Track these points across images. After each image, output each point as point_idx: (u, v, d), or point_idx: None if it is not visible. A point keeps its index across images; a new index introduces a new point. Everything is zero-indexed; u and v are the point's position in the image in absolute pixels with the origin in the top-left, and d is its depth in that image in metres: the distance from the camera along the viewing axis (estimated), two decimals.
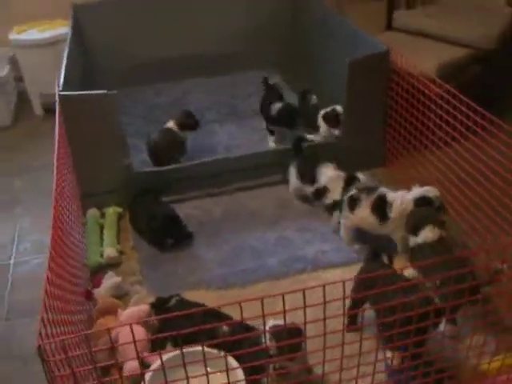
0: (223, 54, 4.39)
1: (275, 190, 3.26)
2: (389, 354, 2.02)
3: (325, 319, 1.57)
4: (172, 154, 3.41)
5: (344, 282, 1.54)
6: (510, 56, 3.77)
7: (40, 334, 1.40)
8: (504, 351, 2.00)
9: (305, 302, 1.51)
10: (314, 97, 3.60)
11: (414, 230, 2.45)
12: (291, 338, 1.78)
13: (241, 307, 1.48)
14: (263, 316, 1.50)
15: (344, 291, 1.55)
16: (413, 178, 3.00)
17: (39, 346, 1.36)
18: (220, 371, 1.65)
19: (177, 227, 2.92)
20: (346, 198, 2.75)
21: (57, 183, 2.18)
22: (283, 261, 2.77)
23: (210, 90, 4.38)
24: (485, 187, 2.54)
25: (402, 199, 2.63)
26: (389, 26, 4.75)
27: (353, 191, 2.73)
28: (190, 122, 3.50)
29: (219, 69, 4.44)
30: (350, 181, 2.88)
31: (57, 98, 2.75)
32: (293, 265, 2.74)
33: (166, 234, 2.89)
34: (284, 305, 1.50)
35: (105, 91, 2.82)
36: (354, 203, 2.70)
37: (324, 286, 1.52)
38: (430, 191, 2.63)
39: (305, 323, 1.59)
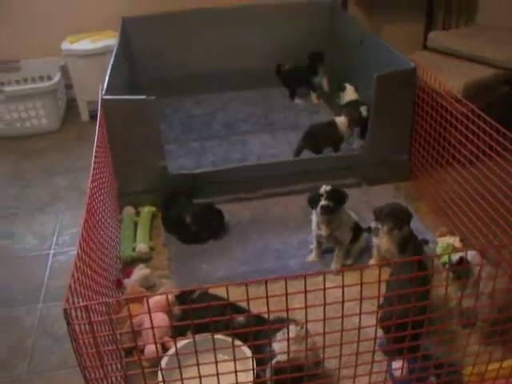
0: (262, 68, 4.58)
1: (302, 197, 3.35)
2: (395, 365, 2.14)
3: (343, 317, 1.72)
4: (327, 143, 3.66)
5: (361, 284, 1.69)
6: None
7: (67, 299, 1.57)
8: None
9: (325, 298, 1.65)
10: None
11: None
12: None
13: (246, 288, 1.63)
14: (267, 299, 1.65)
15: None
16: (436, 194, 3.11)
17: (65, 309, 1.54)
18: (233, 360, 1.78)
19: (221, 217, 3.15)
20: None
21: (93, 175, 2.37)
22: (303, 263, 2.92)
23: (247, 102, 4.57)
24: (505, 206, 2.61)
25: None
26: (425, 47, 4.88)
27: None
28: (358, 121, 3.69)
29: (257, 83, 4.63)
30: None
31: (99, 101, 2.96)
32: (311, 267, 2.88)
33: (207, 224, 3.10)
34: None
35: (144, 96, 3.02)
36: None
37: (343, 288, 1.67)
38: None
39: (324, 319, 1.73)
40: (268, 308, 1.70)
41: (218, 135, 4.09)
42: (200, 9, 4.48)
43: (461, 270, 2.24)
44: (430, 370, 2.01)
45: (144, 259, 2.97)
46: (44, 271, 2.97)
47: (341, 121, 3.68)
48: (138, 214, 3.28)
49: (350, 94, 4.00)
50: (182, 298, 2.55)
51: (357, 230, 2.89)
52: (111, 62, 3.44)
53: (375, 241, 2.85)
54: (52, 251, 3.12)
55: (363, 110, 3.66)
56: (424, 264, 2.45)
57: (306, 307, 1.72)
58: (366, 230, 2.97)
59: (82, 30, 4.52)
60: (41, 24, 4.54)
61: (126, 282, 2.72)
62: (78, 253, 1.82)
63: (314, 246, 2.93)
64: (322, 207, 2.71)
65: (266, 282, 1.67)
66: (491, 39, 4.02)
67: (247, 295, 1.64)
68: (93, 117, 4.55)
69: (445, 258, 2.86)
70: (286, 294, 1.69)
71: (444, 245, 2.94)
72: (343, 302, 1.75)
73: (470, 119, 2.89)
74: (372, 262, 2.89)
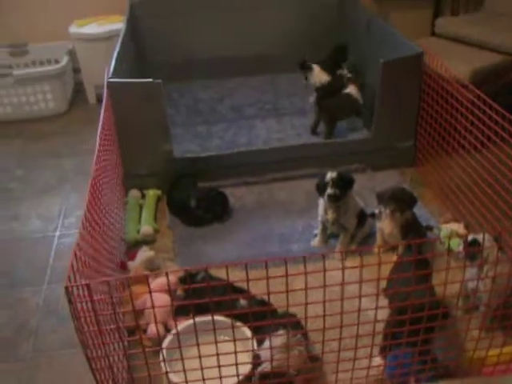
0: (269, 54, 4.59)
1: (307, 182, 3.37)
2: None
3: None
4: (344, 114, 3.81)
5: (361, 266, 1.70)
6: None
7: (69, 278, 1.59)
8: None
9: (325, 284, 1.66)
10: None
11: None
12: None
13: (246, 269, 1.64)
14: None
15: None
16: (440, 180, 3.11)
17: (66, 287, 1.56)
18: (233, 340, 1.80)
19: (226, 201, 3.17)
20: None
21: (97, 157, 2.38)
22: (307, 248, 2.93)
23: (254, 87, 4.57)
24: (507, 190, 2.60)
25: None
26: (433, 33, 4.85)
27: None
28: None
29: (265, 69, 4.64)
30: None
31: (105, 84, 2.97)
32: (316, 252, 2.89)
33: (212, 207, 3.11)
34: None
35: (150, 79, 3.02)
36: None
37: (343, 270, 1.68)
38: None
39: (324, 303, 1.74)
40: (268, 290, 1.71)
41: (225, 119, 4.10)
42: None
43: (474, 251, 2.23)
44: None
45: (148, 241, 2.99)
46: (49, 253, 3.00)
47: (352, 90, 3.80)
48: (143, 196, 3.29)
49: (318, 74, 4.07)
50: (185, 279, 2.58)
51: (362, 215, 2.89)
52: (118, 46, 3.44)
53: (378, 224, 2.85)
54: (57, 233, 3.15)
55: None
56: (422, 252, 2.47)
57: (306, 288, 1.73)
58: (370, 216, 2.97)
59: (89, 13, 4.53)
60: (49, 8, 4.56)
61: (130, 264, 2.74)
62: (80, 232, 1.83)
63: (318, 230, 2.94)
64: (328, 196, 2.71)
65: (266, 263, 1.68)
66: (499, 26, 3.98)
67: (247, 276, 1.65)
68: (100, 100, 4.56)
69: (449, 243, 2.87)
70: (287, 276, 1.70)
71: (448, 231, 2.94)
72: (343, 284, 1.75)
73: (476, 105, 2.87)
74: (376, 248, 2.89)
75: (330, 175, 2.72)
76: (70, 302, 1.58)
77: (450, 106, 3.13)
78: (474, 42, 3.91)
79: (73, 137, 4.12)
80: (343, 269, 1.73)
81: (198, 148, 3.71)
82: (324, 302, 1.75)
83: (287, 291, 1.75)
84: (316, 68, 4.07)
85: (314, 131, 3.78)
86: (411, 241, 2.67)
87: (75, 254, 1.68)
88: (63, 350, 2.40)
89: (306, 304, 1.81)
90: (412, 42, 3.40)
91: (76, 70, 4.68)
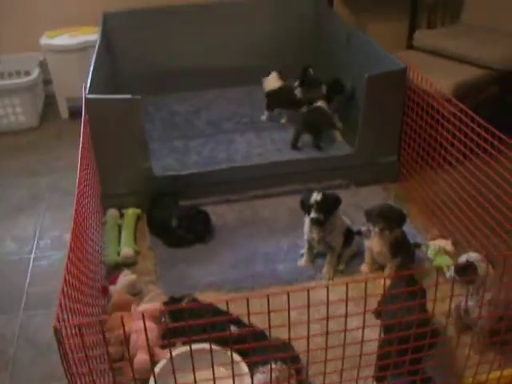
0: (245, 66, 4.49)
1: (291, 199, 3.31)
2: None
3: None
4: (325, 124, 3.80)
5: (347, 300, 1.62)
6: None
7: (57, 317, 1.48)
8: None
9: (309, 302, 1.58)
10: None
11: None
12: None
13: (248, 304, 1.56)
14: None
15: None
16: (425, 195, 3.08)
17: (55, 327, 1.45)
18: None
19: (207, 219, 3.08)
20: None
21: (79, 180, 2.27)
22: (294, 268, 2.85)
23: (230, 99, 4.48)
24: (493, 205, 2.59)
25: None
26: (409, 46, 4.85)
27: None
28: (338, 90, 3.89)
29: (241, 80, 4.53)
30: None
31: (83, 100, 2.86)
32: (303, 272, 2.82)
33: (193, 226, 3.01)
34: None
35: (129, 96, 2.92)
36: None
37: (327, 287, 1.61)
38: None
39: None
40: (270, 322, 1.62)
41: (202, 134, 3.99)
42: (183, 5, 4.38)
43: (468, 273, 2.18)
44: None
45: (129, 264, 2.88)
46: (24, 277, 2.86)
47: (323, 103, 3.80)
48: (121, 216, 3.18)
49: (272, 80, 4.07)
50: (171, 305, 2.48)
51: (348, 234, 2.83)
52: (93, 59, 3.32)
53: (367, 243, 2.79)
54: (33, 255, 3.01)
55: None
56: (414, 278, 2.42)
57: (308, 322, 1.65)
58: (356, 233, 2.92)
59: (61, 24, 4.39)
60: (19, 18, 4.41)
61: (112, 288, 2.63)
62: (66, 266, 1.72)
63: (305, 250, 2.87)
64: (311, 220, 2.64)
65: (268, 297, 1.58)
66: (478, 39, 3.98)
67: (248, 311, 1.56)
68: (72, 114, 4.45)
69: (438, 261, 2.83)
70: (289, 309, 1.61)
71: (436, 248, 2.90)
72: (346, 316, 1.68)
73: (460, 119, 2.85)
74: (363, 266, 2.84)
75: (315, 197, 2.64)
76: (59, 342, 1.48)
77: (433, 120, 3.10)
78: (453, 56, 3.89)
79: (46, 153, 3.97)
80: (347, 302, 1.65)
81: (175, 163, 3.60)
82: (327, 333, 1.67)
83: (289, 325, 1.67)
84: (273, 74, 4.09)
85: (294, 146, 3.70)
86: (404, 270, 2.66)
87: (63, 291, 1.57)
88: (43, 383, 2.27)
89: (308, 336, 1.73)
90: (394, 57, 3.37)
91: (46, 82, 4.53)
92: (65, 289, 1.60)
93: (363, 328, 1.71)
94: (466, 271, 2.19)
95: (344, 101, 3.85)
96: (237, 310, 1.75)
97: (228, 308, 1.63)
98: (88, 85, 2.97)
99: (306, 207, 2.69)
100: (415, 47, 4.23)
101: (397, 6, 4.88)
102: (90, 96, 2.88)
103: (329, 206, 2.65)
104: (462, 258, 2.26)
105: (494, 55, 3.74)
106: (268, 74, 4.12)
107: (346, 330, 1.69)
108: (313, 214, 2.63)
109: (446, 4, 4.44)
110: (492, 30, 4.12)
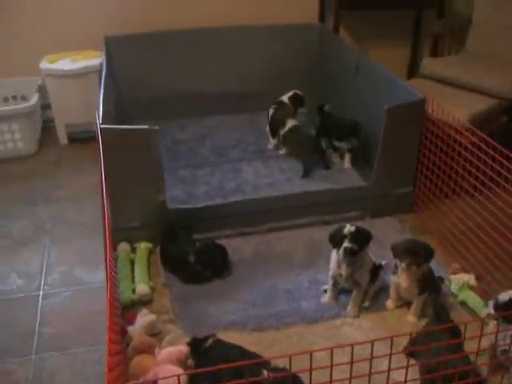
0: (248, 92, 4.43)
1: (306, 231, 3.24)
2: None
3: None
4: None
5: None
6: None
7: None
8: None
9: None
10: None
11: None
12: None
13: (290, 360, 1.45)
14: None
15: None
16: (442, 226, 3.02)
17: None
18: None
19: (225, 254, 2.97)
20: None
21: (104, 217, 2.14)
22: (317, 305, 2.75)
23: (234, 126, 4.39)
24: None
25: None
26: (411, 73, 4.83)
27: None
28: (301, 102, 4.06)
29: (243, 107, 4.48)
30: None
31: (98, 130, 2.73)
32: (327, 309, 2.72)
33: (211, 261, 2.90)
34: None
35: (147, 126, 2.81)
36: None
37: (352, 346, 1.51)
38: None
39: None
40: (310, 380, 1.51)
41: (208, 162, 3.89)
42: (184, 29, 4.30)
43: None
44: None
45: (145, 302, 2.75)
46: (34, 316, 2.70)
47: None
48: (133, 250, 3.05)
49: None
50: (195, 347, 2.36)
51: (374, 270, 2.75)
52: (102, 85, 3.21)
53: (394, 279, 2.71)
54: (41, 292, 2.86)
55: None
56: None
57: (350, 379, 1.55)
58: (379, 267, 2.83)
59: (61, 48, 4.26)
60: (18, 42, 4.29)
61: (131, 329, 2.50)
62: (109, 326, 1.58)
63: (329, 286, 2.76)
64: (345, 249, 2.56)
65: (310, 355, 1.48)
66: (486, 68, 3.96)
67: (289, 363, 1.45)
68: (71, 140, 4.32)
69: (462, 297, 2.76)
70: (331, 366, 1.51)
71: (460, 283, 2.82)
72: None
73: (479, 148, 2.83)
74: (389, 302, 2.75)
75: (349, 228, 2.57)
76: None
77: (451, 150, 3.06)
78: (463, 85, 3.86)
79: (46, 181, 3.82)
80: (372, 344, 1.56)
81: (183, 194, 3.48)
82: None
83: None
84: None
85: (306, 174, 3.63)
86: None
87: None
88: None
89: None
90: (409, 86, 3.32)
91: (44, 107, 4.39)
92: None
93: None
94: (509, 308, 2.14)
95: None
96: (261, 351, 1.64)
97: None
98: (101, 113, 2.86)
99: (336, 240, 2.61)
100: (421, 75, 4.19)
101: (399, 34, 4.87)
102: (104, 126, 2.75)
103: (361, 239, 2.59)
104: (504, 296, 2.20)
105: (504, 85, 3.73)
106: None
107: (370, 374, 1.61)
108: (346, 244, 2.55)
109: (452, 32, 4.41)
110: (498, 58, 4.11)
